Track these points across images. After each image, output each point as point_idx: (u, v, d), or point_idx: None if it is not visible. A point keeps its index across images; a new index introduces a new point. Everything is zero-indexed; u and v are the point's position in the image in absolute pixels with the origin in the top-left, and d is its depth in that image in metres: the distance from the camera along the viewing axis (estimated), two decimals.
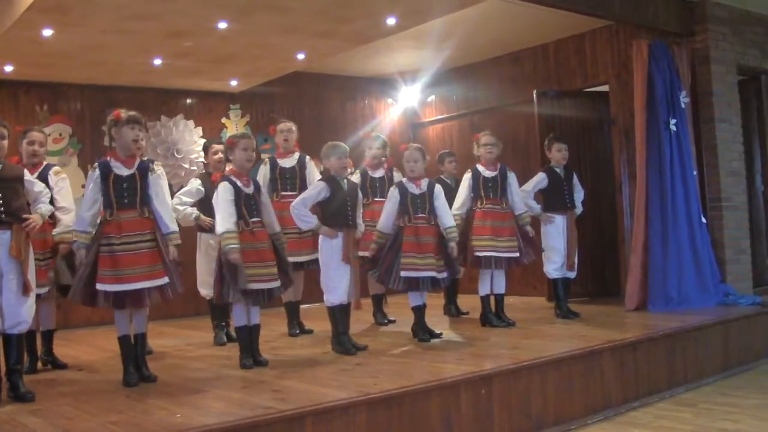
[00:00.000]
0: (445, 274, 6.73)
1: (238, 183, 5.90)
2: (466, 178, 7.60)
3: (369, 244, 6.85)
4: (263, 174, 7.48)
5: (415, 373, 5.41)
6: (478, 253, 7.34)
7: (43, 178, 6.15)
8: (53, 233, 6.12)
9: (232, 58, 8.87)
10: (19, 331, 5.16)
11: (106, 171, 5.43)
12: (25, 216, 5.17)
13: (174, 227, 5.65)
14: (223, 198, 5.83)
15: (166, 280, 5.42)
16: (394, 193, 6.78)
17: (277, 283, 5.92)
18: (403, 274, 6.56)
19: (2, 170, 5.17)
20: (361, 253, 6.80)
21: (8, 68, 8.60)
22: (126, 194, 5.44)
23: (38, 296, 5.68)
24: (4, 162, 5.25)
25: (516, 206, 7.52)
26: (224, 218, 5.78)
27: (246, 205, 5.88)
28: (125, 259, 5.31)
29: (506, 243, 7.36)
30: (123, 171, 5.46)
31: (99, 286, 5.26)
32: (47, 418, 4.55)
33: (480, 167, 7.57)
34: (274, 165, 7.57)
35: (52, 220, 6.05)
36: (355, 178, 7.67)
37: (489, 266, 7.39)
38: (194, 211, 7.13)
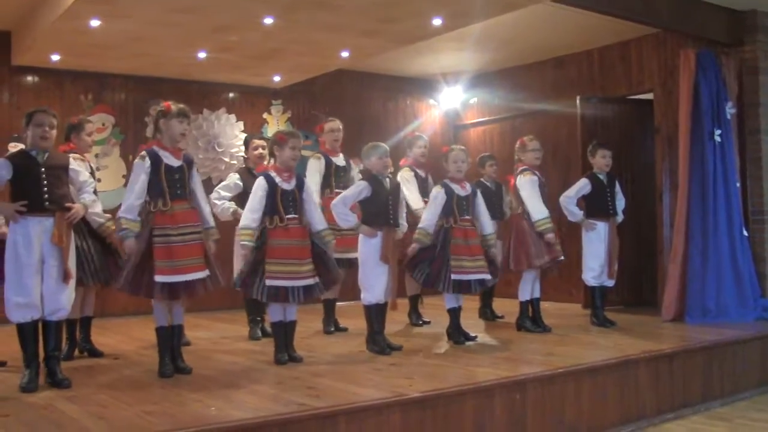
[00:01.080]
0: (489, 276, 6.73)
1: (277, 179, 5.91)
2: (531, 180, 7.49)
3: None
4: (317, 169, 7.49)
5: (450, 375, 5.40)
6: (535, 261, 7.34)
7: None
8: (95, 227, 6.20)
9: (276, 54, 8.90)
10: (58, 318, 5.22)
11: (156, 161, 5.45)
12: (68, 205, 5.23)
13: (213, 222, 5.73)
14: (253, 194, 5.90)
15: (208, 273, 5.49)
16: (440, 193, 6.74)
17: (311, 281, 5.91)
18: (454, 276, 6.55)
19: (49, 158, 5.25)
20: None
21: (55, 57, 8.70)
22: (178, 185, 5.49)
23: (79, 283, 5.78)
24: (51, 150, 5.31)
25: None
26: (246, 215, 5.87)
27: (283, 201, 5.89)
28: (181, 250, 5.37)
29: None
30: (173, 162, 5.50)
31: (157, 278, 5.30)
32: (83, 405, 4.60)
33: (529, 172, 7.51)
34: (329, 162, 7.60)
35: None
36: (408, 176, 7.71)
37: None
38: (232, 205, 7.16)
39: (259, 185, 5.90)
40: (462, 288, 6.63)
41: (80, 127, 6.48)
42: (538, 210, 7.32)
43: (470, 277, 6.61)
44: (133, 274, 5.35)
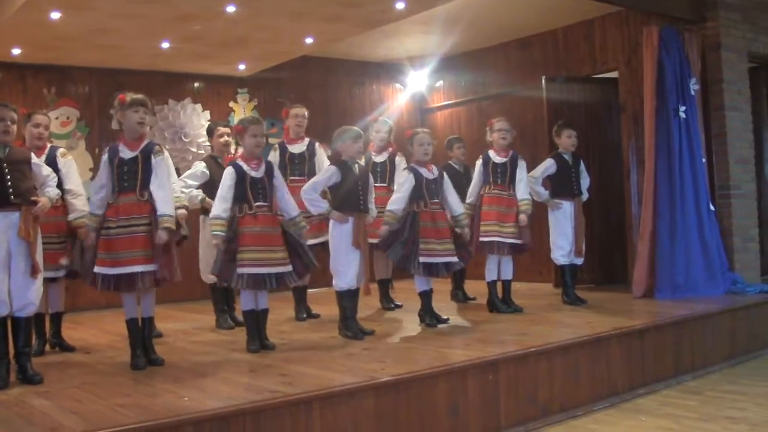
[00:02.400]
0: (456, 259, 6.73)
1: (245, 167, 5.89)
2: (478, 164, 7.58)
3: (376, 230, 6.82)
4: (273, 159, 7.48)
5: (422, 358, 5.42)
6: (483, 239, 7.34)
7: (51, 160, 6.19)
8: (69, 218, 6.20)
9: (240, 42, 8.85)
10: (27, 314, 5.17)
11: (112, 155, 5.47)
12: (33, 199, 5.18)
13: (167, 210, 5.43)
14: (222, 183, 5.89)
15: (153, 266, 5.39)
16: (409, 177, 6.73)
17: (284, 269, 5.89)
18: (422, 259, 6.56)
19: (11, 153, 5.18)
20: (371, 241, 6.78)
21: (16, 51, 8.60)
22: (126, 177, 5.44)
23: (51, 279, 5.76)
24: (11, 145, 5.25)
25: (519, 193, 7.47)
26: (216, 204, 5.86)
27: (252, 189, 5.87)
28: (120, 243, 5.34)
29: (510, 229, 7.35)
30: (127, 154, 5.47)
31: (96, 269, 5.33)
32: (55, 400, 4.57)
33: (491, 153, 7.53)
34: (283, 150, 7.59)
35: (61, 203, 6.07)
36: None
37: (492, 251, 7.39)
38: (199, 194, 7.13)
39: (228, 174, 5.88)
40: (431, 271, 6.64)
41: (27, 119, 6.29)
42: (469, 195, 7.55)
43: (438, 260, 6.62)
44: (88, 265, 5.44)
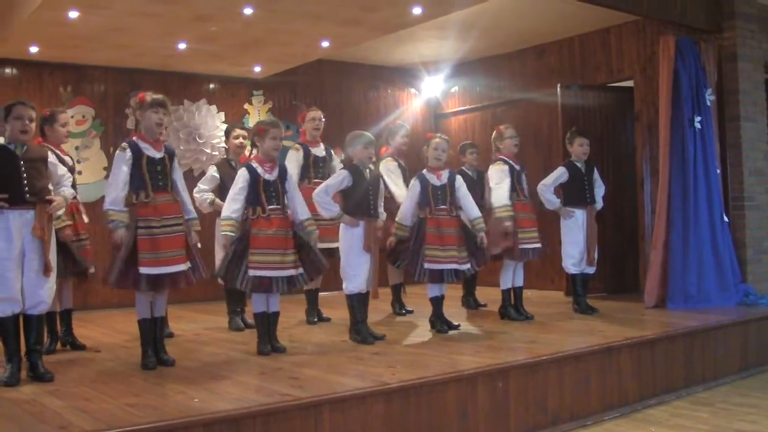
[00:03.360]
0: (467, 266, 6.71)
1: (259, 169, 5.90)
2: (500, 170, 7.52)
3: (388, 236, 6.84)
4: (296, 160, 7.49)
5: (432, 364, 5.41)
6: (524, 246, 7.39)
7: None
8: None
9: (256, 44, 8.87)
10: (39, 312, 5.19)
11: (137, 152, 5.42)
12: (48, 198, 5.19)
13: (195, 213, 5.75)
14: (234, 184, 5.90)
15: (189, 265, 5.50)
16: (414, 184, 6.75)
17: (295, 271, 5.89)
18: (426, 266, 6.55)
19: (28, 151, 5.20)
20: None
21: (33, 49, 8.64)
22: (160, 177, 5.47)
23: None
24: (29, 144, 5.27)
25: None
26: (227, 205, 5.87)
27: (265, 192, 5.88)
28: (165, 242, 5.37)
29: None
30: (154, 154, 5.48)
31: (142, 270, 5.29)
32: (66, 399, 4.58)
33: (503, 160, 7.51)
34: (307, 152, 7.60)
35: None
36: (392, 166, 7.69)
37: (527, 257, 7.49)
38: (210, 196, 7.16)
39: (241, 175, 5.89)
40: (434, 277, 6.63)
41: (53, 119, 6.41)
42: (498, 197, 7.37)
43: (443, 267, 6.58)
44: (122, 267, 5.30)
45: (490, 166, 7.59)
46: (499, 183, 7.42)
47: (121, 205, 5.37)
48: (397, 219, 6.76)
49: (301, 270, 5.92)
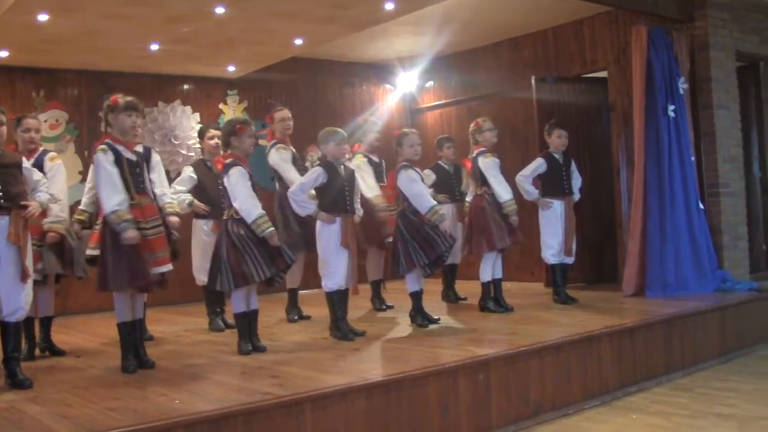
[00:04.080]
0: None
1: (246, 169, 5.92)
2: (493, 162, 7.54)
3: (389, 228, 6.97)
4: (286, 158, 7.41)
5: (413, 358, 5.41)
6: None
7: (39, 164, 6.12)
8: (43, 222, 5.97)
9: (230, 44, 8.85)
10: (17, 319, 5.15)
11: (116, 153, 5.36)
12: (24, 203, 5.15)
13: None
14: (244, 184, 5.82)
15: (171, 266, 5.52)
16: (419, 174, 6.81)
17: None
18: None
19: (2, 157, 5.15)
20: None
21: (3, 54, 8.56)
22: (140, 179, 5.48)
23: (35, 282, 5.72)
24: (2, 149, 5.23)
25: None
26: (253, 203, 5.80)
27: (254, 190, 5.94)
28: (156, 243, 5.39)
29: None
30: (131, 156, 5.46)
31: (159, 269, 5.35)
32: (45, 405, 4.56)
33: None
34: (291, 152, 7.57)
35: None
36: (361, 163, 7.69)
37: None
38: (188, 197, 7.14)
39: (243, 174, 5.83)
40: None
41: (18, 123, 6.21)
42: (505, 191, 7.37)
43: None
44: (128, 268, 5.26)
45: (480, 158, 7.51)
46: (497, 176, 7.42)
47: (126, 206, 5.25)
48: (432, 205, 6.59)
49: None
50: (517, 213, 7.35)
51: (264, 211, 5.81)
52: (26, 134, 6.21)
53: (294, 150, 7.65)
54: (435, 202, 6.66)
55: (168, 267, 5.47)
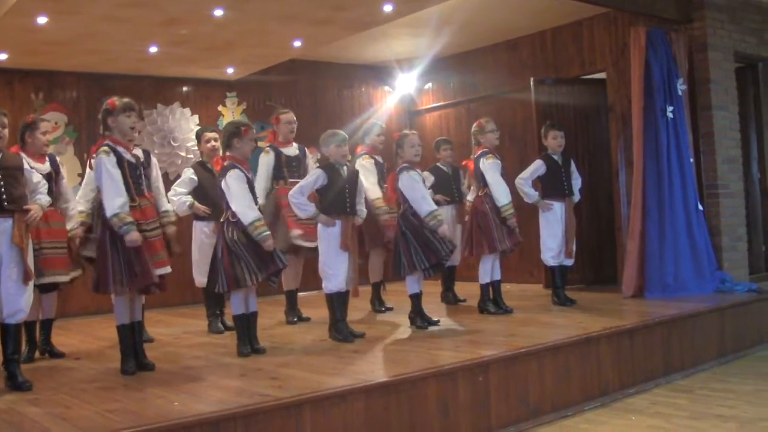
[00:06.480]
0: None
1: (245, 171, 5.92)
2: (494, 164, 7.51)
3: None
4: (266, 162, 7.45)
5: (413, 360, 5.42)
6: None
7: (56, 167, 6.37)
8: (68, 228, 6.25)
9: (228, 46, 8.84)
10: (17, 321, 5.15)
11: (118, 155, 5.36)
12: (26, 207, 5.16)
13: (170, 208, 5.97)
14: (240, 186, 5.81)
15: (169, 269, 5.54)
16: (421, 176, 6.84)
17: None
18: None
19: (3, 159, 5.15)
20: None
21: (2, 56, 8.56)
22: (141, 181, 5.49)
23: (54, 285, 5.96)
24: (4, 151, 5.22)
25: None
26: (250, 206, 5.79)
27: (251, 193, 5.93)
28: (156, 245, 5.41)
29: None
30: (131, 158, 5.46)
31: (159, 271, 5.36)
32: (45, 407, 4.56)
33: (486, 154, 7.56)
34: (278, 153, 7.55)
35: (54, 207, 6.13)
36: (368, 164, 7.70)
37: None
38: (188, 199, 7.14)
39: (240, 177, 5.82)
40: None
41: (34, 126, 6.33)
42: (503, 195, 7.35)
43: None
44: (128, 270, 5.26)
45: (482, 160, 7.48)
46: (496, 178, 7.40)
47: (127, 208, 5.25)
48: (432, 210, 6.60)
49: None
50: (514, 216, 7.34)
51: (260, 214, 5.81)
52: (44, 137, 6.33)
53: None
54: (435, 207, 6.67)
55: (167, 269, 5.48)
